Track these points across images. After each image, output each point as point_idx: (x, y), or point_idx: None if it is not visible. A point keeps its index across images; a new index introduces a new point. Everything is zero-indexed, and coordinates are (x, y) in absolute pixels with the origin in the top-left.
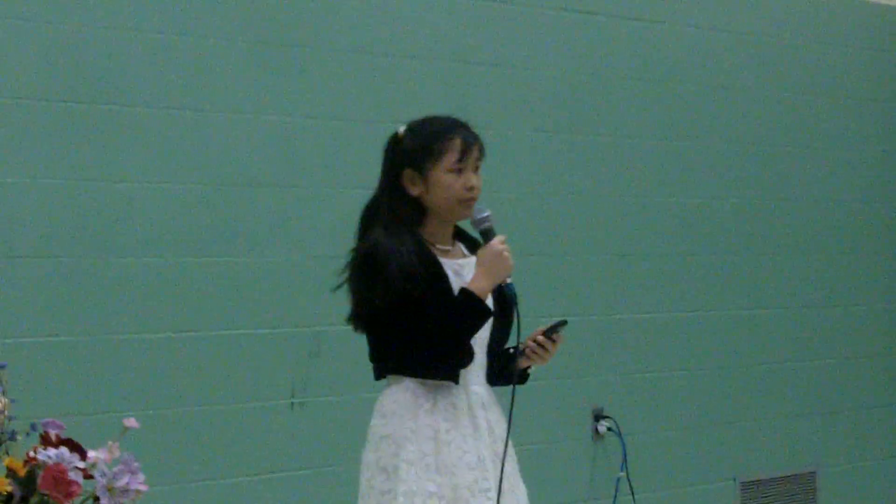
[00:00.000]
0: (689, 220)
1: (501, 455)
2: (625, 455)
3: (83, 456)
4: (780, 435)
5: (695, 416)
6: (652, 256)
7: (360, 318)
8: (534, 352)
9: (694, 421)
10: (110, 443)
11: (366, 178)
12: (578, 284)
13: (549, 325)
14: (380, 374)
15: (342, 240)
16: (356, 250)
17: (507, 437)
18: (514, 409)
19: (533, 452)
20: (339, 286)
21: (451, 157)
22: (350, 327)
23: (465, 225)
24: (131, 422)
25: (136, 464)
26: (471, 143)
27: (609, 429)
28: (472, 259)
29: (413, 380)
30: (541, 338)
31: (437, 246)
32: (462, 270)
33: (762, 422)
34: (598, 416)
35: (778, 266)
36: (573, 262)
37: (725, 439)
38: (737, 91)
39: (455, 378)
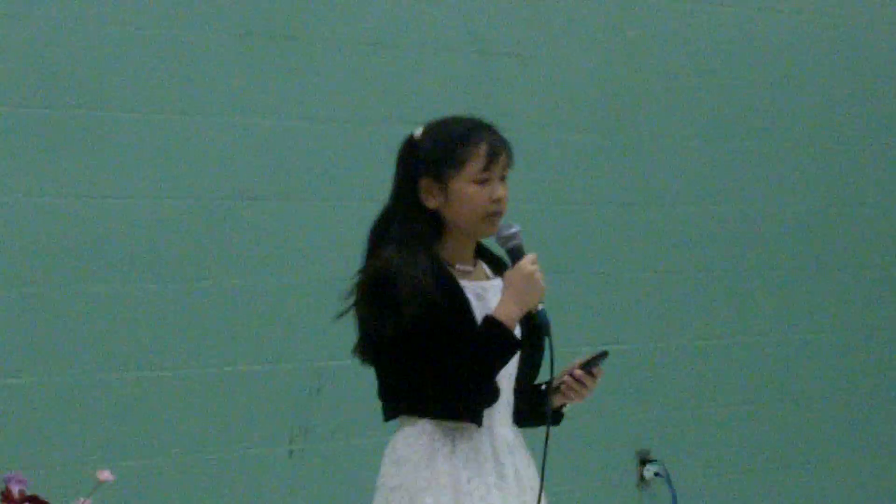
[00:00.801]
0: (744, 232)
1: None
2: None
3: None
4: (860, 480)
5: (755, 459)
6: (703, 275)
7: (369, 348)
8: (570, 388)
9: (754, 464)
10: (82, 499)
11: (375, 189)
12: (620, 309)
13: (587, 356)
14: (390, 414)
15: (348, 260)
16: (364, 271)
17: (541, 487)
18: (548, 453)
19: (570, 502)
20: (343, 313)
21: (475, 166)
22: (356, 360)
23: (489, 242)
24: (105, 474)
25: None
26: (498, 150)
27: (656, 474)
28: (497, 281)
29: (429, 421)
30: (578, 371)
31: (458, 266)
32: (486, 294)
33: (836, 465)
34: (643, 460)
35: (851, 284)
36: (613, 284)
37: (792, 486)
38: (799, 85)
39: (478, 419)
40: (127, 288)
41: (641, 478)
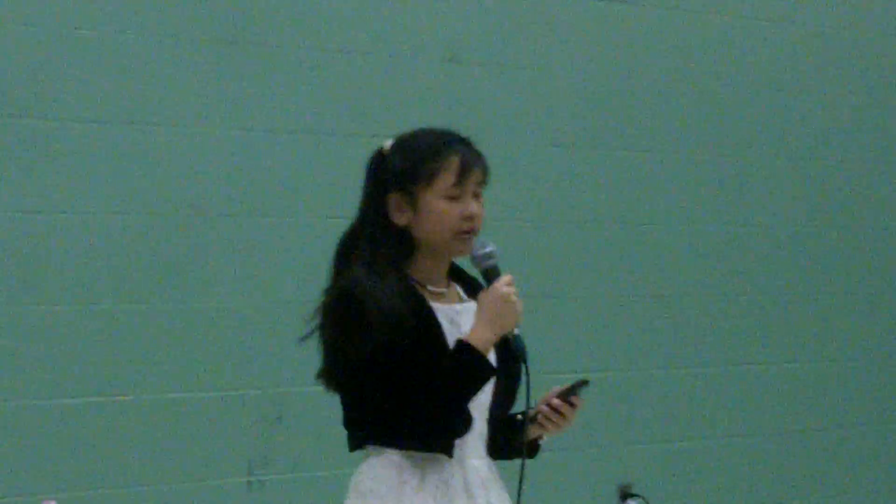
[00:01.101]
0: (736, 252)
1: None
2: None
3: None
4: None
5: (743, 496)
6: (692, 298)
7: (333, 374)
8: (547, 418)
9: (740, 500)
10: None
11: (342, 205)
12: (601, 334)
13: (566, 385)
14: (356, 444)
15: (312, 280)
16: (329, 292)
17: None
18: (524, 487)
19: None
20: (307, 336)
21: (446, 180)
22: (320, 386)
23: (465, 263)
24: None
25: None
26: (471, 163)
27: None
28: (472, 304)
29: (397, 452)
30: (556, 401)
31: (429, 288)
32: (458, 318)
33: (831, 502)
34: (625, 495)
35: (849, 308)
36: (596, 307)
37: None
38: (794, 94)
39: (448, 450)
40: (74, 308)
41: None
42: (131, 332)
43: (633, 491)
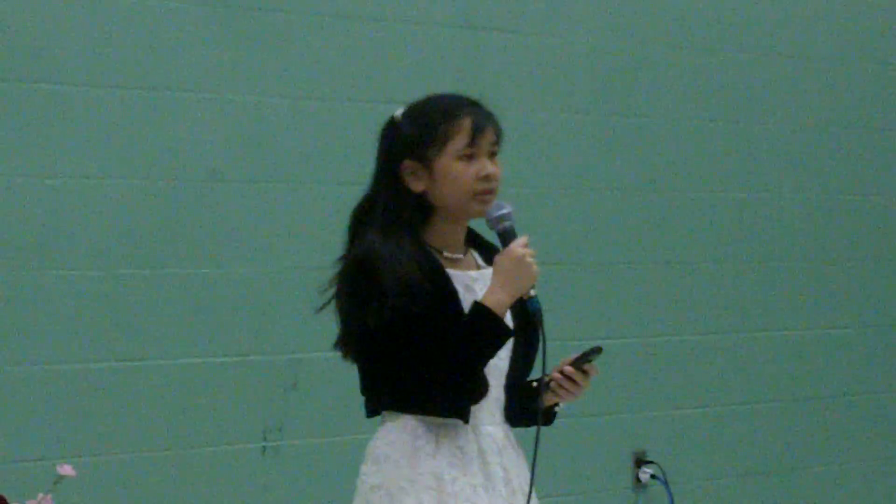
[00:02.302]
0: (751, 220)
1: None
2: None
3: None
4: (866, 484)
5: (756, 461)
6: (706, 265)
7: (351, 342)
8: (561, 385)
9: (755, 467)
10: (41, 495)
11: (355, 172)
12: (616, 300)
13: (579, 353)
14: (373, 410)
15: (326, 247)
16: (345, 259)
17: (531, 490)
18: (539, 454)
19: None
20: (324, 305)
21: (459, 141)
22: (336, 354)
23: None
24: (66, 469)
25: None
26: (483, 123)
27: (653, 476)
28: (488, 271)
29: (413, 417)
30: (569, 368)
31: (445, 254)
32: (475, 285)
33: (842, 468)
34: (639, 462)
35: (863, 275)
36: (610, 273)
37: (794, 490)
38: (814, 61)
39: (464, 416)
40: (90, 274)
41: (637, 480)
42: (147, 297)
43: (648, 457)
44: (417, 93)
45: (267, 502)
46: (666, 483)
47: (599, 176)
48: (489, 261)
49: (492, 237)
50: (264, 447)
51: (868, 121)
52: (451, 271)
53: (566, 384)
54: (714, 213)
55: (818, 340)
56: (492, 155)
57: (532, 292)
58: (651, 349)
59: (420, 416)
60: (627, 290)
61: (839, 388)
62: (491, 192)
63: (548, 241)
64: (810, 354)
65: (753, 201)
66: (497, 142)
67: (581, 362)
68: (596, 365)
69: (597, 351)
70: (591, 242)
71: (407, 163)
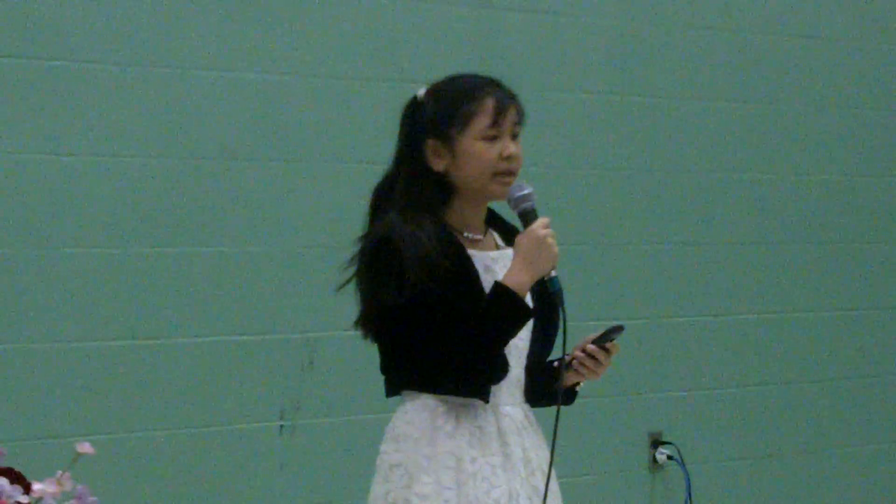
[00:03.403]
0: (768, 201)
1: (541, 491)
2: (689, 489)
3: (27, 489)
4: (883, 465)
5: (773, 443)
6: (723, 246)
7: (370, 322)
8: (583, 364)
9: (772, 448)
10: (60, 472)
11: (371, 151)
12: (633, 281)
13: (601, 331)
14: (393, 389)
15: (345, 226)
16: (366, 238)
17: (550, 470)
18: (558, 434)
19: (579, 486)
20: (344, 284)
21: (482, 121)
22: (353, 333)
23: (505, 211)
24: (85, 447)
25: (91, 498)
26: (506, 104)
27: (670, 457)
28: (508, 251)
29: (432, 397)
30: (591, 347)
31: (465, 234)
32: (494, 266)
33: (860, 450)
34: (656, 443)
35: (879, 257)
36: (627, 254)
37: (812, 472)
38: (832, 42)
39: (484, 396)
40: (105, 252)
41: (654, 461)
42: (163, 276)
43: (664, 439)
44: (434, 72)
45: (284, 481)
46: (682, 464)
47: (617, 156)
48: (509, 241)
49: (512, 218)
50: (281, 426)
51: (885, 101)
52: (471, 251)
53: (588, 362)
54: (732, 193)
55: (835, 322)
56: (514, 136)
57: (553, 273)
58: (668, 330)
59: (440, 396)
60: (645, 271)
61: (856, 370)
62: (512, 173)
63: (565, 221)
64: (827, 336)
65: (770, 182)
66: (519, 122)
67: (603, 340)
68: (617, 343)
69: (618, 329)
70: (609, 222)
71: (429, 142)
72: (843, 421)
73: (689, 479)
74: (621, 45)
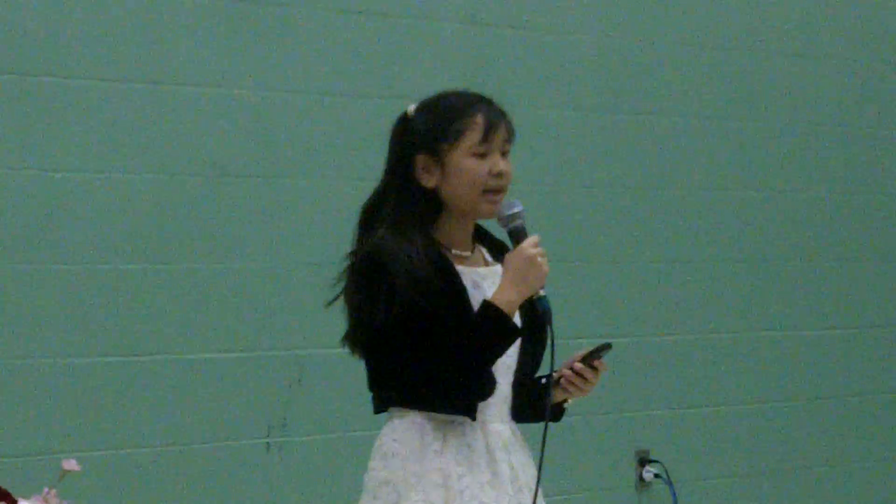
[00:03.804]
0: (759, 218)
1: None
2: None
3: None
4: (870, 484)
5: (760, 461)
6: (713, 263)
7: (358, 338)
8: (570, 381)
9: (759, 467)
10: (46, 489)
11: (361, 168)
12: (622, 299)
13: (589, 348)
14: (381, 406)
15: (334, 243)
16: (354, 254)
17: (537, 487)
18: (545, 451)
19: None
20: (333, 300)
21: (472, 138)
22: (341, 350)
23: (492, 228)
24: (71, 464)
25: None
26: (496, 121)
27: (656, 475)
28: (497, 268)
29: (420, 414)
30: (578, 364)
31: (454, 251)
32: (483, 282)
33: (846, 468)
34: (643, 461)
35: (871, 275)
36: (616, 271)
37: (800, 491)
38: (820, 60)
39: (472, 413)
40: (95, 268)
41: (641, 479)
42: (152, 292)
43: (652, 457)
44: (424, 89)
45: (271, 499)
46: (669, 482)
47: (606, 174)
48: (497, 258)
49: (500, 234)
50: (268, 443)
51: (874, 120)
52: (459, 268)
53: (576, 380)
54: (721, 211)
55: (823, 340)
56: (503, 153)
57: (542, 292)
58: (656, 348)
59: (428, 413)
60: (633, 289)
61: (844, 389)
62: (501, 190)
63: (554, 238)
64: (815, 354)
65: (759, 200)
66: (509, 140)
67: (591, 358)
68: (605, 361)
69: (607, 347)
70: (598, 240)
71: (419, 157)
72: (831, 439)
73: (675, 498)
74: (611, 62)
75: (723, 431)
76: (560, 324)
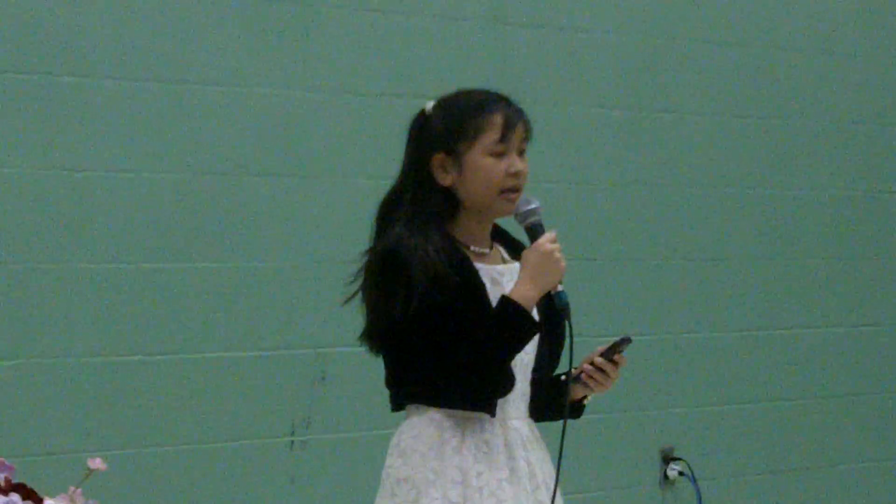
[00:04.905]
0: (782, 215)
1: None
2: None
3: None
4: (893, 482)
5: (784, 459)
6: (736, 261)
7: (377, 334)
8: (591, 377)
9: (783, 465)
10: (72, 488)
11: (382, 165)
12: (645, 297)
13: (609, 343)
14: (398, 403)
15: (353, 241)
16: (372, 252)
17: (556, 485)
18: (567, 450)
19: (590, 502)
20: (350, 297)
21: (490, 137)
22: (363, 347)
23: (509, 225)
24: (97, 463)
25: None
26: (514, 120)
27: (681, 473)
28: (515, 266)
29: (438, 411)
30: (599, 359)
31: (472, 248)
32: (501, 279)
33: (872, 466)
34: (667, 458)
35: (891, 272)
36: (639, 270)
37: (824, 489)
38: (843, 58)
39: (491, 409)
40: (119, 268)
41: (665, 477)
42: (175, 291)
43: (676, 454)
44: (445, 87)
45: (294, 496)
46: (694, 480)
47: (628, 171)
48: (515, 256)
49: (517, 233)
50: (292, 441)
51: (880, 123)
52: (478, 265)
53: (597, 375)
54: (743, 208)
55: (846, 337)
56: (521, 152)
57: (560, 287)
58: (680, 346)
59: (446, 410)
60: (656, 286)
61: (868, 386)
62: (518, 189)
63: (576, 235)
64: (839, 351)
65: (780, 197)
66: (526, 139)
67: (612, 353)
68: (626, 355)
69: (627, 341)
70: (621, 237)
71: (437, 156)
72: (855, 436)
73: (700, 496)
74: (633, 60)
75: (747, 429)
76: (582, 320)
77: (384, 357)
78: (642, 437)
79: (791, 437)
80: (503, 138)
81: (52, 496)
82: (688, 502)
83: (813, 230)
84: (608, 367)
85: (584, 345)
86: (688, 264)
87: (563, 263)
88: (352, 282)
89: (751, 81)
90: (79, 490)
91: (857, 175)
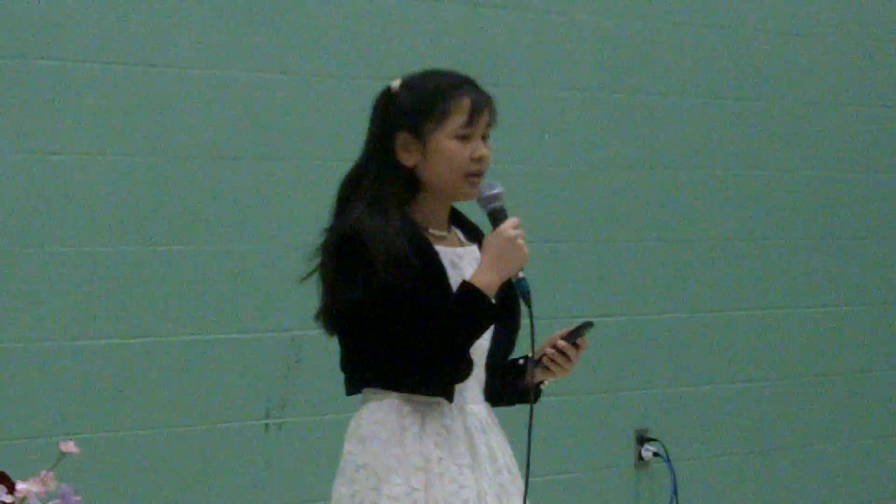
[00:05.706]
0: (753, 195)
1: (508, 489)
2: (674, 486)
3: (10, 488)
4: (869, 464)
5: (759, 440)
6: (711, 242)
7: (333, 315)
8: (552, 361)
9: (758, 445)
10: (44, 472)
11: (356, 149)
12: (622, 276)
13: (570, 327)
14: (354, 387)
15: (328, 223)
16: (331, 231)
17: (528, 467)
18: (538, 433)
19: (563, 483)
20: (308, 275)
21: (458, 120)
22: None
23: (466, 209)
24: (69, 446)
25: (75, 498)
26: (482, 105)
27: (655, 454)
28: (472, 248)
29: (397, 396)
30: (562, 343)
31: (431, 231)
32: (461, 262)
33: (847, 447)
34: (642, 439)
35: (869, 254)
36: (613, 251)
37: (798, 469)
38: (820, 40)
39: (449, 395)
40: (94, 251)
41: (640, 458)
42: (148, 274)
43: (650, 435)
44: (419, 69)
45: (270, 479)
46: (668, 461)
47: (605, 153)
48: (472, 239)
49: (474, 216)
50: (267, 424)
51: (874, 98)
52: (437, 248)
53: (558, 359)
54: (719, 190)
55: (823, 318)
56: (485, 137)
57: (521, 274)
58: (654, 327)
59: (404, 395)
60: (631, 267)
61: (842, 366)
62: (480, 174)
63: (550, 218)
64: (815, 332)
65: (758, 178)
66: (491, 123)
67: (573, 337)
68: (587, 339)
69: (589, 325)
70: (594, 220)
71: (400, 135)
72: (830, 417)
73: (675, 476)
74: (610, 42)
75: (722, 409)
76: (554, 303)
77: (340, 339)
78: (617, 418)
79: (765, 418)
80: (470, 122)
81: (24, 480)
82: (662, 483)
83: (787, 211)
84: (571, 350)
85: (554, 325)
86: (665, 245)
87: (526, 250)
88: (310, 260)
89: (725, 63)
90: (51, 474)
91: (833, 156)
